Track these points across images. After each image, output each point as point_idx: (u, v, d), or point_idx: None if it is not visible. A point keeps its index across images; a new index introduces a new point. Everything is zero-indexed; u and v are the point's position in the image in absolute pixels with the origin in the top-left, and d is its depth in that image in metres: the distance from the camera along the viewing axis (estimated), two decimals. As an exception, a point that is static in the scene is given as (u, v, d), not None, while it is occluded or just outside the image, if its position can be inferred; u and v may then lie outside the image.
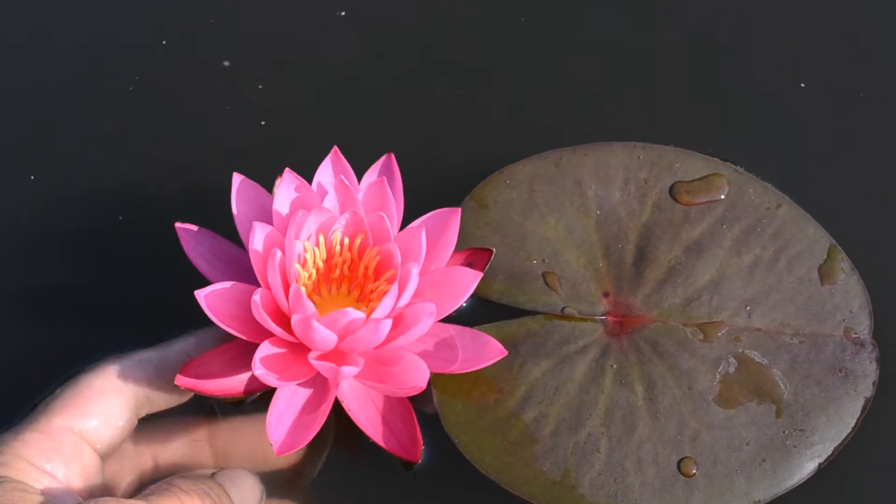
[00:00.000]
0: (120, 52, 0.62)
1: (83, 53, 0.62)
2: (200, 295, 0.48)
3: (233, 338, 0.49)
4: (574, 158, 0.57)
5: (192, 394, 0.50)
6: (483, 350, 0.49)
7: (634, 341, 0.53)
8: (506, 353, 0.49)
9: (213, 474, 0.48)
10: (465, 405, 0.51)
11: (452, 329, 0.50)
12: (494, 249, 0.53)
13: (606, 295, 0.54)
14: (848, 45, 0.61)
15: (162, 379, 0.49)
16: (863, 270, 0.53)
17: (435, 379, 0.51)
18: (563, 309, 0.54)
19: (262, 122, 0.60)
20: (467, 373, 0.51)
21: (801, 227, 0.55)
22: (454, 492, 0.51)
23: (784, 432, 0.50)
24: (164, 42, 0.62)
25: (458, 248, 0.53)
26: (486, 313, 0.53)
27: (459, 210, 0.51)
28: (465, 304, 0.52)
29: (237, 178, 0.51)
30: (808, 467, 0.50)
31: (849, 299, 0.53)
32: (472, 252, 0.53)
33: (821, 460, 0.50)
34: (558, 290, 0.54)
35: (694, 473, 0.50)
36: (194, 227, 0.51)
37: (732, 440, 0.50)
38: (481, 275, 0.50)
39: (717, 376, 0.52)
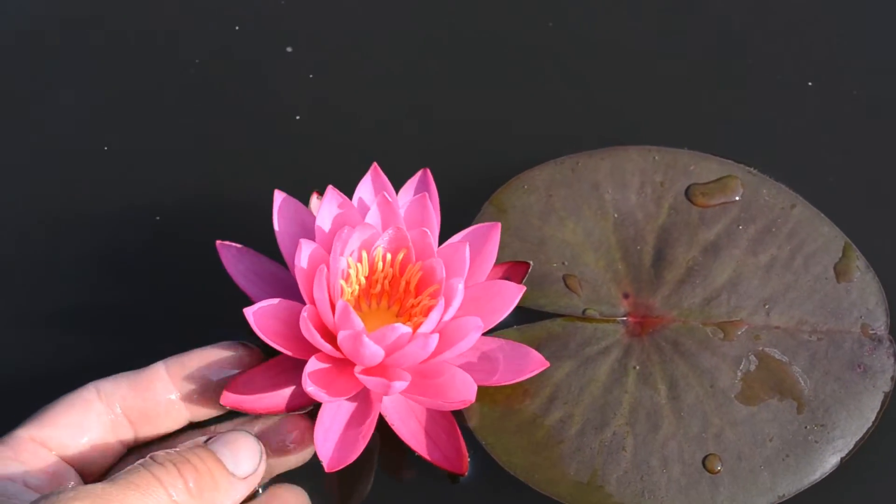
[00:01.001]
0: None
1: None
2: (249, 312, 0.48)
3: (273, 355, 0.50)
4: (590, 163, 0.57)
5: (181, 432, 0.49)
6: (524, 362, 0.49)
7: (656, 341, 0.54)
8: (548, 364, 0.49)
9: (206, 440, 0.46)
10: (492, 407, 0.52)
11: (493, 342, 0.50)
12: (532, 262, 0.53)
13: (626, 296, 0.55)
14: (857, 43, 0.62)
15: (138, 397, 0.48)
16: (878, 268, 0.54)
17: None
18: (584, 311, 0.54)
19: (297, 117, 0.61)
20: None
21: (815, 227, 0.55)
22: (485, 494, 0.51)
23: (806, 428, 0.51)
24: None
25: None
26: (508, 317, 0.54)
27: (499, 225, 0.51)
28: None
29: (279, 196, 0.51)
30: (830, 462, 0.51)
31: (865, 296, 0.54)
32: (510, 265, 0.53)
33: (843, 454, 0.51)
34: (579, 292, 0.55)
35: (719, 470, 0.51)
36: (235, 245, 0.51)
37: (755, 436, 0.51)
38: (524, 288, 0.50)
39: (739, 374, 0.52)
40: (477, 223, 0.56)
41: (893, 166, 0.58)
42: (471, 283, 0.51)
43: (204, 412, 0.49)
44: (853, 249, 0.55)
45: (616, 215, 0.56)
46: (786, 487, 0.50)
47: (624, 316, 0.54)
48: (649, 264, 0.55)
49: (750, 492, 0.50)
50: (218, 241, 0.51)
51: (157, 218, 0.57)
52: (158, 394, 0.48)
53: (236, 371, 0.50)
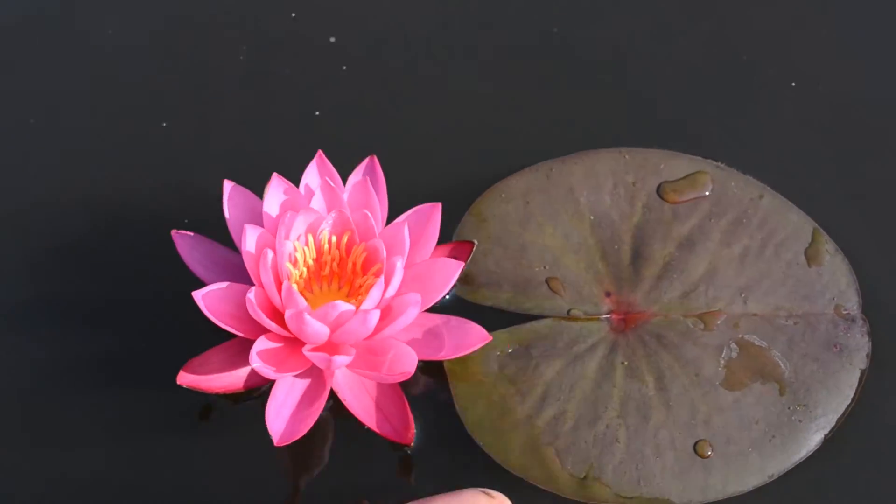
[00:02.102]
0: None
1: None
2: (198, 295, 0.50)
3: (232, 337, 0.52)
4: (564, 168, 0.59)
5: None
6: (468, 336, 0.52)
7: (640, 336, 0.56)
8: (490, 338, 0.51)
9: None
10: (487, 409, 0.54)
11: (439, 318, 0.53)
12: (476, 241, 0.55)
13: (608, 294, 0.57)
14: (810, 34, 0.64)
15: None
16: (847, 250, 0.57)
17: (455, 384, 0.54)
18: (568, 311, 0.56)
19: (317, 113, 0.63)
20: (487, 378, 0.54)
21: (784, 215, 0.58)
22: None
23: (789, 408, 0.53)
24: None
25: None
26: (498, 321, 0.56)
27: (440, 205, 0.54)
28: (447, 298, 0.55)
29: (228, 185, 0.54)
30: (814, 439, 0.53)
31: (836, 278, 0.56)
32: (455, 245, 0.56)
33: (826, 432, 0.53)
34: (562, 293, 0.57)
35: (710, 454, 0.53)
36: (190, 234, 0.54)
37: (742, 420, 0.53)
38: (463, 264, 0.53)
39: (722, 362, 0.55)
40: (458, 234, 0.58)
41: (855, 152, 0.61)
42: (415, 261, 0.53)
43: None
44: (822, 234, 0.57)
45: (592, 217, 0.58)
46: (774, 467, 0.52)
47: (607, 314, 0.56)
48: (628, 262, 0.57)
49: (741, 473, 0.52)
50: (173, 231, 0.54)
51: (186, 220, 0.59)
52: None
53: None
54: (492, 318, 0.56)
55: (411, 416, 0.52)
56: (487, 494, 0.49)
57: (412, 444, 0.52)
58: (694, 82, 0.63)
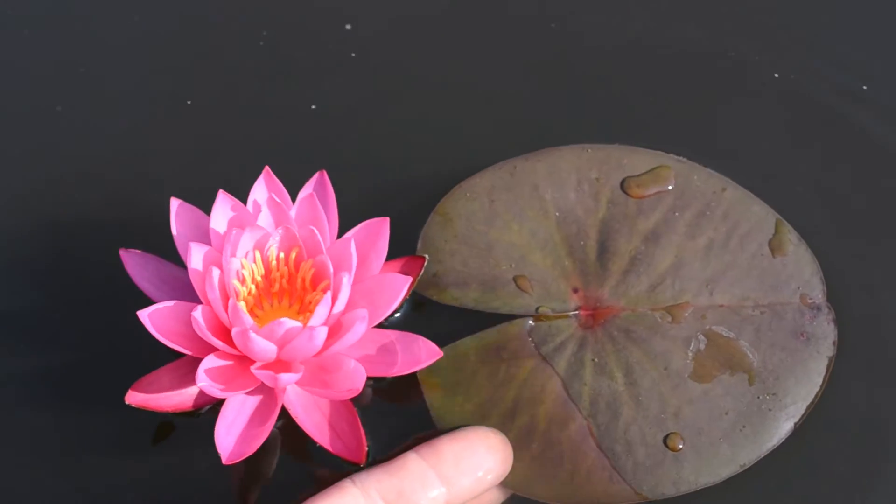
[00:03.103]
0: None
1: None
2: (143, 314, 0.50)
3: (183, 355, 0.52)
4: (527, 166, 0.59)
5: None
6: (419, 353, 0.51)
7: (608, 331, 0.56)
8: (441, 354, 0.51)
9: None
10: (462, 418, 0.53)
11: (392, 335, 0.52)
12: (427, 256, 0.55)
13: (576, 291, 0.57)
14: (762, 22, 0.65)
15: (393, 477, 0.49)
16: (809, 240, 0.57)
17: (430, 395, 0.54)
18: (537, 309, 0.56)
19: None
20: (460, 386, 0.54)
21: (747, 207, 0.58)
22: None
23: (759, 398, 0.54)
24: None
25: (429, 262, 0.56)
26: (466, 323, 0.56)
27: (388, 220, 0.53)
28: (399, 311, 0.56)
29: (175, 203, 0.53)
30: (784, 427, 0.53)
31: (800, 268, 0.57)
32: (408, 260, 0.55)
33: (795, 420, 0.53)
34: (530, 291, 0.57)
35: (681, 448, 0.53)
36: (138, 252, 0.53)
37: (712, 411, 0.53)
38: (410, 279, 0.52)
39: (690, 354, 0.55)
40: (424, 234, 0.58)
41: (813, 142, 0.61)
42: (364, 276, 0.53)
43: (461, 489, 0.50)
44: (784, 225, 0.58)
45: (557, 214, 0.58)
46: (746, 456, 0.53)
47: (575, 310, 0.56)
48: (594, 258, 0.57)
49: (712, 464, 0.53)
50: (121, 249, 0.53)
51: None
52: (412, 472, 0.50)
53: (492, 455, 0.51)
54: (460, 320, 0.56)
55: (363, 434, 0.51)
56: (495, 431, 0.52)
57: (364, 462, 0.51)
58: (651, 76, 0.63)
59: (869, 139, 0.61)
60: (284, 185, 0.54)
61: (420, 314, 0.56)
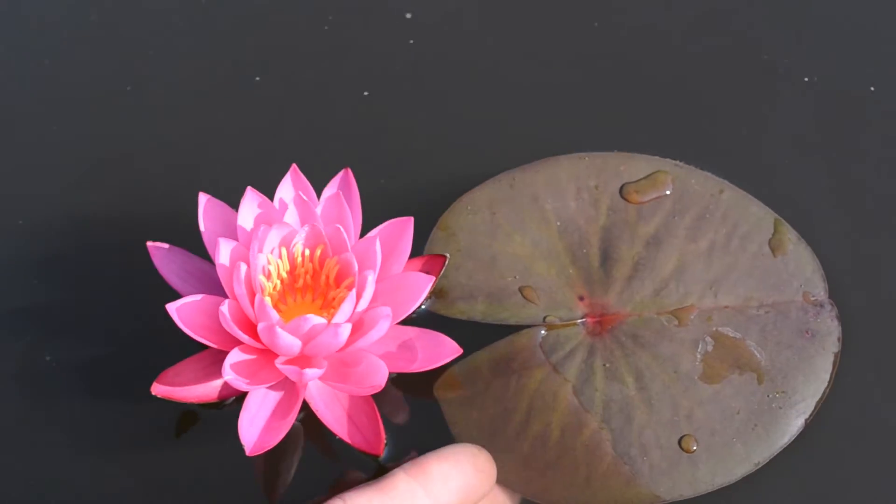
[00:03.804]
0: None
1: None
2: (172, 308, 0.51)
3: (206, 347, 0.52)
4: (526, 177, 0.60)
5: None
6: (440, 349, 0.52)
7: (616, 337, 0.56)
8: (461, 350, 0.52)
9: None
10: (479, 431, 0.54)
11: (413, 331, 0.53)
12: (448, 255, 0.56)
13: (582, 298, 0.57)
14: (755, 22, 0.66)
15: (385, 496, 0.49)
16: (809, 238, 0.58)
17: (447, 408, 0.55)
18: (544, 318, 0.57)
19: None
20: (475, 400, 0.55)
21: (745, 208, 0.59)
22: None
23: (768, 396, 0.54)
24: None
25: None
26: (475, 336, 0.56)
27: (412, 219, 0.54)
28: (421, 309, 0.56)
29: (203, 198, 0.54)
30: (796, 424, 0.54)
31: (801, 266, 0.57)
32: (429, 258, 0.56)
33: (806, 416, 0.54)
34: (536, 301, 0.57)
35: (695, 449, 0.53)
36: (165, 245, 0.54)
37: (724, 412, 0.54)
38: (434, 278, 0.53)
39: (698, 356, 0.55)
40: (428, 248, 0.58)
41: (809, 140, 0.62)
42: (387, 275, 0.53)
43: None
44: (783, 224, 0.58)
45: (559, 223, 0.59)
46: (759, 455, 0.53)
47: (582, 318, 0.57)
48: (598, 265, 0.58)
49: (727, 464, 0.53)
50: (148, 242, 0.54)
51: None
52: (402, 491, 0.49)
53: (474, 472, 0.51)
54: (468, 333, 0.56)
55: (382, 428, 0.52)
56: (480, 449, 0.52)
57: (382, 454, 0.52)
58: (642, 82, 0.64)
59: (864, 136, 0.62)
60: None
61: (434, 328, 0.56)
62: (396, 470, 0.50)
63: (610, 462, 0.53)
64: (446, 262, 0.55)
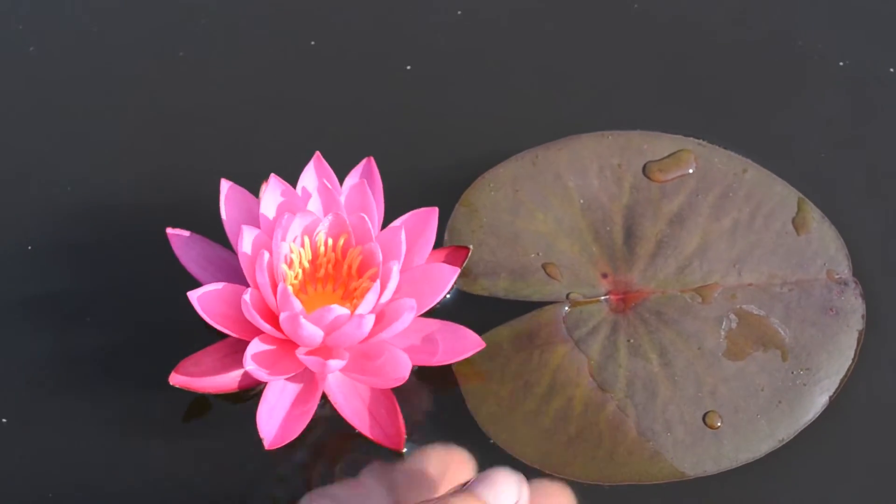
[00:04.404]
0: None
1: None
2: (193, 296, 0.50)
3: (224, 336, 0.52)
4: (549, 155, 0.60)
5: None
6: (462, 343, 0.52)
7: (639, 314, 0.56)
8: (483, 345, 0.51)
9: (463, 485, 0.47)
10: (498, 405, 0.54)
11: (435, 324, 0.53)
12: (471, 246, 0.55)
13: (605, 276, 0.57)
14: (788, 4, 0.65)
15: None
16: (832, 216, 0.58)
17: (464, 382, 0.54)
18: (567, 295, 0.56)
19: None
20: (493, 373, 0.54)
21: (769, 187, 0.59)
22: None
23: (793, 373, 0.54)
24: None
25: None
26: (498, 311, 0.56)
27: (436, 210, 0.53)
28: (447, 298, 0.55)
29: (225, 185, 0.53)
30: (820, 401, 0.54)
31: (825, 244, 0.57)
32: (452, 250, 0.55)
33: (830, 393, 0.54)
34: (559, 278, 0.57)
35: (719, 425, 0.53)
36: (185, 233, 0.53)
37: (748, 388, 0.54)
38: (458, 270, 0.52)
39: (722, 333, 0.55)
40: (451, 225, 0.58)
41: (829, 118, 0.62)
42: (410, 266, 0.53)
43: None
44: (807, 203, 0.58)
45: (582, 201, 0.59)
46: (784, 431, 0.53)
47: (606, 295, 0.57)
48: (621, 243, 0.58)
49: (751, 440, 0.53)
50: (168, 229, 0.53)
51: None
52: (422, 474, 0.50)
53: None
54: (492, 309, 0.56)
55: (402, 422, 0.51)
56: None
57: (404, 449, 0.51)
58: (667, 61, 0.64)
59: (885, 116, 0.62)
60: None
61: (453, 306, 0.56)
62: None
63: (633, 438, 0.53)
64: (469, 254, 0.55)
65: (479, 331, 0.55)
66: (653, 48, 0.64)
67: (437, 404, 0.54)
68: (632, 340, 0.55)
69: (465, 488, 0.46)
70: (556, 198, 0.59)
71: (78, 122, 0.63)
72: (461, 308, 0.56)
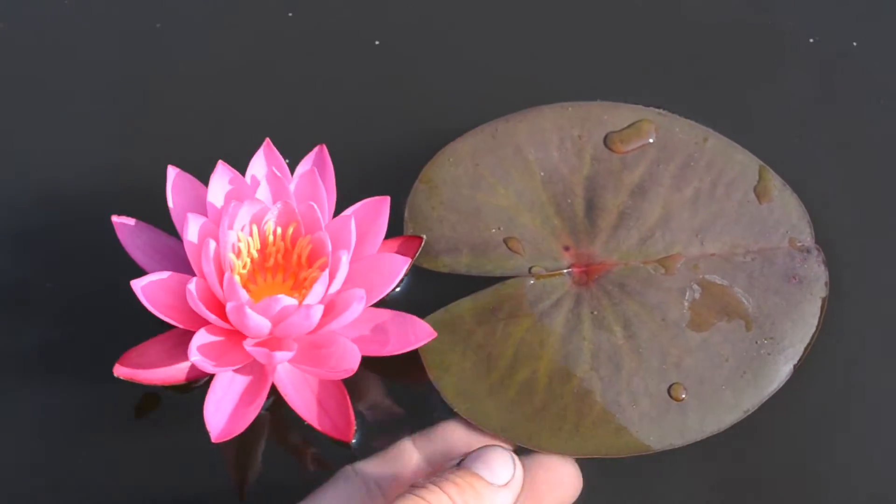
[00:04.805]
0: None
1: None
2: (137, 285, 0.49)
3: (171, 327, 0.51)
4: (509, 127, 0.59)
5: None
6: (413, 332, 0.51)
7: (602, 286, 0.56)
8: (435, 334, 0.51)
9: (459, 462, 0.47)
10: (461, 377, 0.53)
11: (386, 314, 0.52)
12: (424, 236, 0.54)
13: (567, 249, 0.57)
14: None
15: (388, 468, 0.50)
16: (794, 184, 0.57)
17: (427, 357, 0.53)
18: (530, 269, 0.56)
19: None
20: (455, 346, 0.54)
21: (730, 156, 0.58)
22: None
23: (757, 343, 0.54)
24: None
25: (416, 230, 0.56)
26: (460, 287, 0.55)
27: (388, 199, 0.52)
28: (398, 289, 0.55)
29: (172, 172, 0.52)
30: (784, 371, 0.54)
31: (787, 212, 0.57)
32: (405, 240, 0.55)
33: (794, 362, 0.54)
34: (521, 252, 0.56)
35: (684, 397, 0.53)
36: (131, 221, 0.52)
37: (712, 359, 0.54)
38: (410, 260, 0.52)
39: (686, 304, 0.55)
40: (410, 203, 0.57)
41: (791, 88, 0.62)
42: (361, 255, 0.52)
43: None
44: (768, 171, 0.58)
45: (542, 173, 0.58)
46: (749, 401, 0.53)
47: (568, 268, 0.56)
48: (583, 215, 0.57)
49: (717, 411, 0.53)
50: (113, 217, 0.52)
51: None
52: (406, 464, 0.50)
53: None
54: (453, 285, 0.56)
55: (352, 413, 0.51)
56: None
57: (353, 441, 0.51)
58: (624, 29, 0.63)
59: (849, 81, 0.61)
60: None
61: (414, 285, 0.56)
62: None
63: (599, 410, 0.53)
64: (422, 244, 0.54)
65: (440, 305, 0.55)
66: (614, 19, 0.64)
67: (397, 373, 0.54)
68: (595, 313, 0.55)
69: (460, 465, 0.46)
70: (517, 171, 0.58)
71: (34, 103, 0.61)
72: (423, 285, 0.56)
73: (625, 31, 0.63)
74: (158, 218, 0.53)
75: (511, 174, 0.58)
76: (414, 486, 0.45)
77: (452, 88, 0.62)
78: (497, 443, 0.50)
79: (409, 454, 0.50)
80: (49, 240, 0.57)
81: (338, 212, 0.53)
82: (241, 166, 0.53)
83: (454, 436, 0.51)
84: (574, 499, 0.50)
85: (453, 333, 0.54)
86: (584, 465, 0.52)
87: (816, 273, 0.56)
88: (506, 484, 0.47)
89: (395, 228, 0.55)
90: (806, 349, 0.54)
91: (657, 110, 0.59)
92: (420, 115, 0.61)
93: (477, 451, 0.47)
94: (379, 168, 0.59)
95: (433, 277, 0.56)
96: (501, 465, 0.47)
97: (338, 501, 0.49)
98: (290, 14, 0.64)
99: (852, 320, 0.55)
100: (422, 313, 0.54)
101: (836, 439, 0.53)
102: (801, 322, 0.55)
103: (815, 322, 0.55)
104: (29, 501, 0.52)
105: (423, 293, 0.56)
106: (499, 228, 0.57)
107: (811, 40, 0.63)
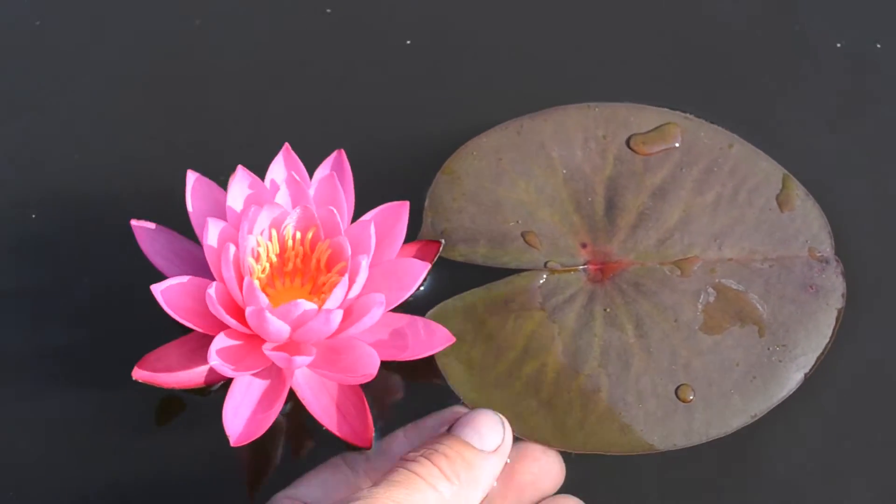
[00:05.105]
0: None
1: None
2: (157, 289, 0.49)
3: (190, 331, 0.51)
4: (534, 125, 0.59)
5: None
6: (432, 338, 0.51)
7: (617, 285, 0.56)
8: (454, 339, 0.51)
9: (448, 429, 0.48)
10: (469, 366, 0.53)
11: (404, 319, 0.52)
12: (443, 241, 0.55)
13: (584, 246, 0.57)
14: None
15: (378, 458, 0.50)
16: (817, 194, 0.57)
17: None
18: (545, 263, 0.56)
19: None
20: (465, 334, 0.54)
21: (754, 163, 0.58)
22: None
23: (769, 349, 0.54)
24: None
25: (435, 220, 0.56)
26: (475, 276, 0.56)
27: (408, 203, 0.52)
28: (421, 289, 0.55)
29: (192, 176, 0.52)
30: (795, 378, 0.53)
31: (808, 222, 0.57)
32: (423, 244, 0.55)
33: (806, 370, 0.53)
34: (538, 246, 0.56)
35: (691, 399, 0.53)
36: (151, 225, 0.52)
37: (723, 363, 0.53)
38: (429, 265, 0.52)
39: (700, 306, 0.55)
40: (432, 193, 0.58)
41: (820, 99, 0.61)
42: (381, 260, 0.52)
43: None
44: (792, 180, 0.58)
45: (564, 171, 0.58)
46: (757, 407, 0.53)
47: (584, 264, 0.56)
48: (602, 213, 0.57)
49: (723, 415, 0.52)
50: (133, 221, 0.52)
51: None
52: (396, 450, 0.50)
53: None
54: (469, 275, 0.56)
55: (370, 418, 0.50)
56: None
57: (371, 445, 0.51)
58: (650, 32, 0.63)
59: (874, 96, 0.61)
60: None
61: (429, 273, 0.56)
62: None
63: (604, 407, 0.53)
64: (440, 249, 0.54)
65: (454, 293, 0.55)
66: (643, 21, 0.64)
67: (415, 376, 0.54)
68: (608, 310, 0.55)
69: (449, 431, 0.47)
70: (539, 167, 0.58)
71: (47, 110, 0.62)
72: (437, 273, 0.56)
73: (651, 34, 0.63)
74: (177, 222, 0.53)
75: (533, 170, 0.58)
76: (404, 460, 0.45)
77: (480, 86, 0.62)
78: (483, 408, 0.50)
79: (399, 442, 0.51)
80: (69, 243, 0.58)
81: (358, 211, 0.53)
82: (260, 171, 0.53)
83: (446, 421, 0.51)
84: (556, 489, 0.50)
85: (466, 322, 0.54)
86: (587, 461, 0.52)
87: (834, 284, 0.55)
88: (495, 450, 0.47)
89: (414, 219, 0.55)
90: (818, 359, 0.53)
91: (683, 114, 0.59)
92: (448, 112, 0.61)
93: (466, 416, 0.47)
94: (402, 164, 0.59)
95: (449, 266, 0.56)
96: (490, 429, 0.47)
97: (323, 485, 0.49)
98: (328, 10, 0.64)
99: (867, 333, 0.55)
100: (435, 301, 0.55)
101: (840, 452, 0.53)
102: (815, 331, 0.54)
103: (830, 332, 0.54)
104: (48, 502, 0.53)
105: (438, 281, 0.56)
106: (517, 222, 0.57)
107: (838, 45, 0.62)
